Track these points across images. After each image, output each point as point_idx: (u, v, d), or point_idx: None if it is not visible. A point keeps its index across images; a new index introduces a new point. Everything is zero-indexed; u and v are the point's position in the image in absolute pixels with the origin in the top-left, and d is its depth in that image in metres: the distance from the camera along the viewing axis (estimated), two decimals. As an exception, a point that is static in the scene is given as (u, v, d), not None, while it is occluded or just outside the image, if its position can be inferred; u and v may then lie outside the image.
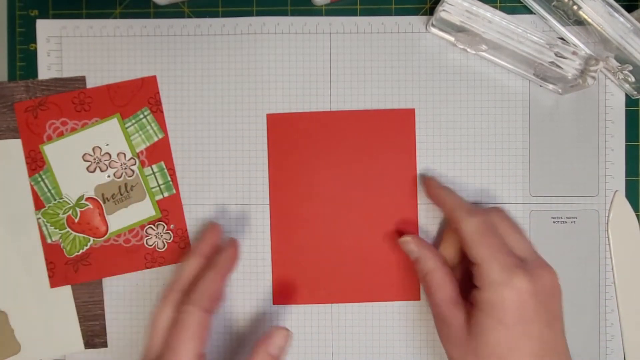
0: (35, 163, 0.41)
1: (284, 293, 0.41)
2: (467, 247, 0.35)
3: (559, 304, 0.35)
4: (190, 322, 0.34)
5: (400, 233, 0.41)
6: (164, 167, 0.41)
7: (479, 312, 0.33)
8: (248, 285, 0.41)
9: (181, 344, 0.33)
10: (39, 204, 0.41)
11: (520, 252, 0.35)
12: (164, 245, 0.41)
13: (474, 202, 0.41)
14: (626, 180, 0.41)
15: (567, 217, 0.41)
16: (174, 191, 0.41)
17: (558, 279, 0.35)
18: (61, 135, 0.41)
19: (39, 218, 0.41)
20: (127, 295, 0.42)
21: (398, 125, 0.41)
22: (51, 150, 0.41)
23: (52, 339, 0.41)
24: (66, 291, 0.41)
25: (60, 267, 0.41)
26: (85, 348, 0.42)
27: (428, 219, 0.41)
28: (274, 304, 0.41)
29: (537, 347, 0.32)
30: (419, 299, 0.41)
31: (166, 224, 0.41)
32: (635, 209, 0.41)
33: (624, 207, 0.41)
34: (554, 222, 0.41)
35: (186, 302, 0.35)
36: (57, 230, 0.41)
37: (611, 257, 0.41)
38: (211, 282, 0.36)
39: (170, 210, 0.41)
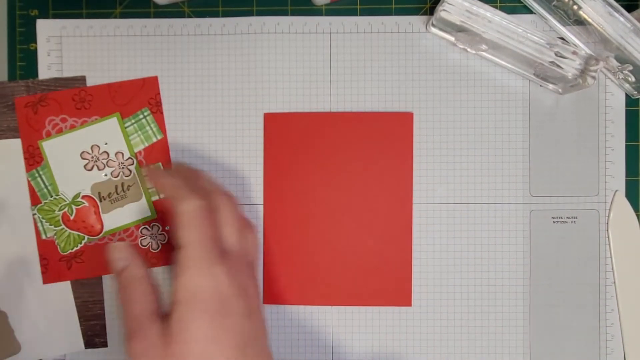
0: (33, 159, 0.41)
1: (274, 293, 0.41)
2: (177, 229, 0.32)
3: (258, 304, 0.34)
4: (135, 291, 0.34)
5: (395, 236, 0.41)
6: (162, 168, 0.41)
7: (179, 306, 0.31)
8: (248, 285, 0.41)
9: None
10: (35, 200, 0.41)
11: (228, 245, 0.34)
12: (158, 246, 0.41)
13: (473, 202, 0.41)
14: (626, 180, 0.41)
15: (567, 217, 0.41)
16: (174, 191, 0.41)
17: (256, 272, 0.35)
18: (60, 132, 0.41)
19: (35, 214, 0.41)
20: (126, 295, 0.42)
21: (396, 129, 0.41)
22: (50, 147, 0.41)
23: (52, 338, 0.41)
24: (66, 290, 0.41)
25: (54, 264, 0.41)
26: (86, 348, 0.42)
27: (422, 224, 0.41)
28: (263, 303, 0.41)
29: (239, 338, 0.31)
30: (410, 304, 0.41)
31: (161, 225, 0.41)
32: (635, 209, 0.41)
33: (624, 207, 0.41)
34: (554, 222, 0.41)
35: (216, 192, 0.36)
36: (52, 226, 0.41)
37: (611, 257, 0.41)
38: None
39: (165, 211, 0.41)
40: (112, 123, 0.41)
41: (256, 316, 0.33)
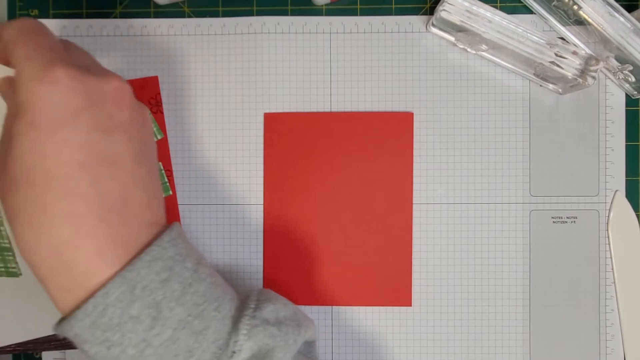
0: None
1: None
2: (8, 55, 0.27)
3: (131, 116, 0.29)
4: None
5: (395, 236, 0.41)
6: (162, 168, 0.41)
7: (10, 120, 0.27)
8: (240, 285, 0.41)
9: None
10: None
11: (81, 61, 0.29)
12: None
13: (473, 202, 0.41)
14: (626, 180, 0.41)
15: (567, 217, 0.41)
16: (171, 192, 0.41)
17: (129, 88, 0.29)
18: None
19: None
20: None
21: (396, 128, 0.41)
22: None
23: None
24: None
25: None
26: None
27: (422, 224, 0.41)
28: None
29: (82, 153, 0.26)
30: (410, 304, 0.41)
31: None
32: (635, 209, 0.41)
33: (624, 207, 0.41)
34: (554, 222, 0.41)
35: None
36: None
37: (611, 257, 0.41)
38: None
39: (166, 211, 0.41)
40: (112, 123, 0.41)
41: (121, 136, 0.28)
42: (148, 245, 0.28)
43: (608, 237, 0.41)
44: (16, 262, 0.40)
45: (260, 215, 0.41)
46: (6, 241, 0.40)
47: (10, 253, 0.40)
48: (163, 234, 0.29)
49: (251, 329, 0.30)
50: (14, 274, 0.40)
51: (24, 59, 0.26)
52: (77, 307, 0.27)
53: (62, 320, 0.28)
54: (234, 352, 0.29)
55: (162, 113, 0.41)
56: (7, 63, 0.29)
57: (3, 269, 0.40)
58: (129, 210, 0.28)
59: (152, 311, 0.27)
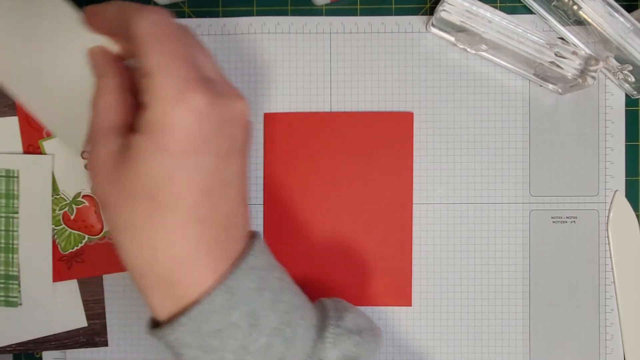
0: (35, 161, 0.41)
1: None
2: (138, 54, 0.26)
3: (245, 136, 0.30)
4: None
5: (395, 236, 0.41)
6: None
7: (138, 136, 0.26)
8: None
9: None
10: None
11: (209, 72, 0.29)
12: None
13: (473, 202, 0.41)
14: (626, 180, 0.41)
15: (567, 217, 0.41)
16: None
17: (249, 110, 0.30)
18: (61, 132, 0.41)
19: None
20: (128, 295, 0.42)
21: (396, 128, 0.41)
22: (50, 146, 0.41)
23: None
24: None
25: (54, 263, 0.41)
26: (86, 347, 0.42)
27: (421, 224, 0.41)
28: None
29: (207, 180, 0.27)
30: (410, 304, 0.41)
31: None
32: (635, 209, 0.41)
33: (624, 207, 0.41)
34: (554, 222, 0.41)
35: None
36: (52, 226, 0.41)
37: (611, 257, 0.41)
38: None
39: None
40: (112, 123, 0.41)
41: (238, 159, 0.29)
42: (242, 253, 0.29)
43: (608, 237, 0.41)
44: (19, 292, 0.41)
45: (260, 215, 0.41)
46: (15, 269, 0.40)
47: (15, 282, 0.40)
48: (254, 244, 0.30)
49: (336, 337, 0.31)
50: (13, 303, 0.41)
51: (159, 70, 0.26)
52: (180, 313, 0.27)
53: (159, 324, 0.28)
54: (321, 359, 0.30)
55: (162, 113, 0.41)
56: (130, 51, 0.29)
57: (3, 299, 0.41)
58: (235, 226, 0.29)
59: (250, 318, 0.28)
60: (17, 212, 0.40)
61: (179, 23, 0.28)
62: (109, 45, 0.31)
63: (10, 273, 0.40)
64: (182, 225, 0.27)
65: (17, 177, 0.40)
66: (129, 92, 0.30)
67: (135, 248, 0.27)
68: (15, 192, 0.40)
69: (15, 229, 0.40)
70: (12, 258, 0.40)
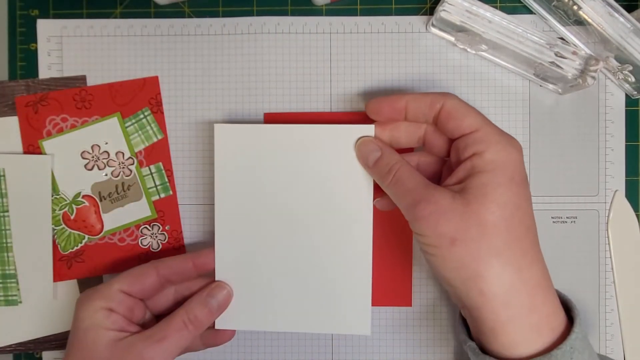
0: (35, 160, 0.41)
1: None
2: (458, 119, 0.33)
3: None
4: (137, 268, 0.37)
5: (395, 236, 0.41)
6: (162, 168, 0.41)
7: (484, 175, 0.31)
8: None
9: (115, 278, 0.36)
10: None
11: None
12: (159, 246, 0.42)
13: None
14: (626, 180, 0.41)
15: (567, 217, 0.41)
16: (171, 192, 0.41)
17: None
18: (61, 131, 0.41)
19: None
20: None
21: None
22: (50, 146, 0.41)
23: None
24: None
25: (54, 263, 0.41)
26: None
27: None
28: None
29: (532, 209, 0.32)
30: (410, 304, 0.41)
31: (161, 225, 0.42)
32: (635, 209, 0.41)
33: (624, 207, 0.41)
34: (554, 222, 0.41)
35: (149, 262, 0.38)
36: (52, 226, 0.41)
37: (611, 257, 0.41)
38: (180, 258, 0.37)
39: (166, 211, 0.41)
40: (112, 123, 0.41)
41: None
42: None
43: (608, 237, 0.41)
44: (18, 290, 0.41)
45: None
46: (12, 267, 0.40)
47: (13, 280, 0.40)
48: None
49: None
50: (13, 302, 0.41)
51: (483, 125, 0.33)
52: (549, 347, 0.31)
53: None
54: None
55: (162, 113, 0.41)
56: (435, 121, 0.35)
57: (2, 298, 0.41)
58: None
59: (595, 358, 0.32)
60: (7, 211, 0.40)
61: None
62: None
63: (7, 272, 0.40)
64: (533, 246, 0.32)
65: (4, 175, 0.40)
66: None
67: (502, 275, 0.31)
68: (4, 191, 0.40)
69: (7, 227, 0.40)
70: (7, 257, 0.40)
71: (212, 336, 0.39)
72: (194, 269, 0.37)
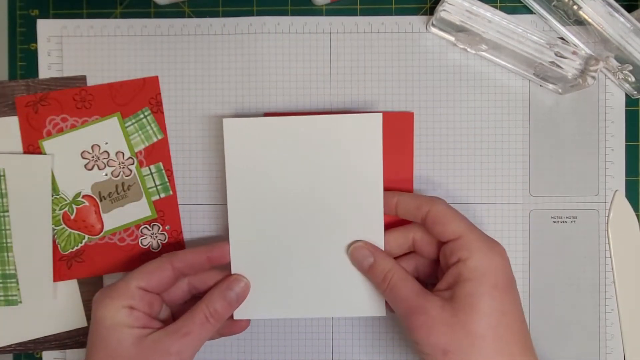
0: (35, 161, 0.41)
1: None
2: (443, 225, 0.34)
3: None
4: (151, 263, 0.37)
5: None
6: (162, 168, 0.41)
7: (468, 283, 0.32)
8: (248, 284, 0.42)
9: (130, 274, 0.36)
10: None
11: None
12: (159, 246, 0.42)
13: (473, 202, 0.41)
14: (626, 180, 0.41)
15: (567, 217, 0.41)
16: (171, 192, 0.41)
17: None
18: (61, 131, 0.41)
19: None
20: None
21: (396, 128, 0.41)
22: (50, 146, 0.41)
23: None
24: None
25: (54, 263, 0.41)
26: (86, 347, 0.42)
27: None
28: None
29: (520, 312, 0.33)
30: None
31: (161, 224, 0.42)
32: (635, 209, 0.41)
33: (624, 207, 0.41)
34: (554, 222, 0.41)
35: (164, 254, 0.37)
36: (52, 226, 0.41)
37: (611, 257, 0.41)
38: (195, 251, 0.37)
39: (166, 211, 0.41)
40: (112, 123, 0.41)
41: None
42: None
43: (608, 237, 0.41)
44: (18, 290, 0.41)
45: (260, 215, 0.41)
46: (12, 267, 0.40)
47: (13, 280, 0.40)
48: None
49: None
50: (13, 302, 0.41)
51: (469, 232, 0.34)
52: None
53: None
54: None
55: (162, 113, 0.41)
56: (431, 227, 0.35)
57: (2, 297, 0.41)
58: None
59: None
60: (7, 211, 0.40)
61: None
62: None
63: (7, 272, 0.40)
64: (525, 353, 0.33)
65: (4, 175, 0.40)
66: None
67: None
68: (4, 191, 0.40)
69: (7, 227, 0.40)
70: (7, 256, 0.40)
71: (228, 326, 0.39)
72: (208, 261, 0.37)
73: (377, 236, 0.37)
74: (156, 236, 0.42)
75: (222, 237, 0.42)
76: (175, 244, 0.42)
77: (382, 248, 0.37)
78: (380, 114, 0.37)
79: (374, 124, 0.37)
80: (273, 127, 0.37)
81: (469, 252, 0.33)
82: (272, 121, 0.37)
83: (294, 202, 0.38)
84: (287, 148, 0.37)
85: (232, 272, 0.38)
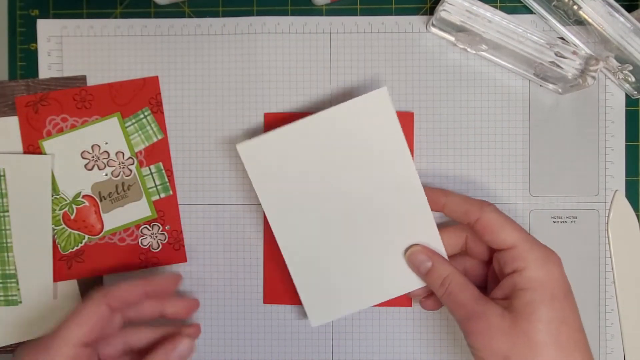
0: (35, 161, 0.41)
1: (274, 293, 0.41)
2: (494, 234, 0.34)
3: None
4: (86, 309, 0.33)
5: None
6: (162, 168, 0.41)
7: (526, 292, 0.32)
8: (240, 284, 0.42)
9: (65, 328, 0.33)
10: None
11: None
12: (159, 246, 0.42)
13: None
14: (626, 180, 0.41)
15: (567, 217, 0.41)
16: (171, 192, 0.41)
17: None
18: (61, 131, 0.41)
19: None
20: (127, 295, 0.42)
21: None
22: (50, 146, 0.41)
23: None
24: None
25: (54, 263, 0.41)
26: (85, 347, 0.42)
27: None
28: (264, 302, 0.41)
29: (578, 319, 0.33)
30: (410, 304, 0.41)
31: (161, 224, 0.42)
32: (635, 209, 0.41)
33: (624, 207, 0.41)
34: (554, 222, 0.41)
35: (97, 289, 0.34)
36: (52, 226, 0.41)
37: (611, 257, 0.41)
38: (131, 285, 0.35)
39: (166, 211, 0.41)
40: (112, 123, 0.41)
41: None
42: None
43: (608, 237, 0.41)
44: (18, 290, 0.41)
45: (261, 215, 0.41)
46: (12, 267, 0.40)
47: (14, 280, 0.40)
48: None
49: None
50: (13, 302, 0.41)
51: (524, 241, 0.34)
52: None
53: None
54: None
55: (162, 113, 0.41)
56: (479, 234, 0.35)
57: (2, 298, 0.41)
58: None
59: None
60: (7, 211, 0.40)
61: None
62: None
63: (7, 272, 0.40)
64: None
65: (4, 175, 0.40)
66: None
67: None
68: (4, 191, 0.40)
69: (7, 227, 0.40)
70: (7, 257, 0.40)
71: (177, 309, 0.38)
72: (145, 296, 0.36)
73: (433, 238, 0.37)
74: (156, 236, 0.42)
75: (221, 235, 0.42)
76: (175, 244, 0.42)
77: (441, 249, 0.37)
78: (385, 87, 0.36)
79: (382, 99, 0.36)
80: (287, 137, 0.37)
81: (524, 262, 0.33)
82: (283, 131, 0.37)
83: (331, 202, 0.38)
84: (308, 152, 0.37)
85: (296, 284, 0.38)
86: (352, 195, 0.38)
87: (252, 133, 0.41)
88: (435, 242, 0.37)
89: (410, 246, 0.37)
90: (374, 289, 0.38)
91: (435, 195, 0.37)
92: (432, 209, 0.37)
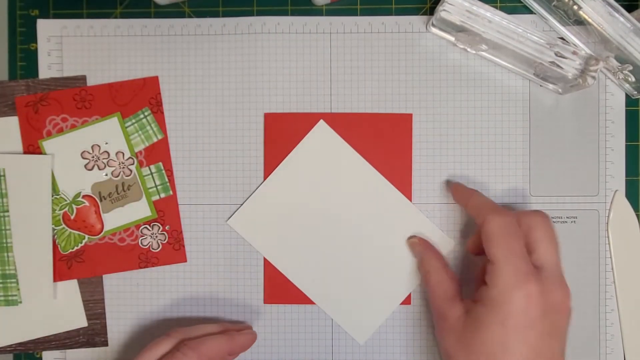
0: (35, 161, 0.41)
1: (274, 293, 0.41)
2: (485, 245, 0.35)
3: (565, 322, 0.34)
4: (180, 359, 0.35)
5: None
6: (162, 168, 0.41)
7: (481, 308, 0.33)
8: (241, 284, 0.42)
9: None
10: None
11: (542, 262, 0.34)
12: (159, 246, 0.42)
13: (473, 202, 0.41)
14: (626, 180, 0.41)
15: (567, 217, 0.41)
16: (171, 192, 0.41)
17: (570, 300, 0.34)
18: (61, 131, 0.41)
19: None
20: (128, 295, 0.42)
21: (395, 130, 0.41)
22: (50, 146, 0.41)
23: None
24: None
25: (54, 263, 0.41)
26: (86, 347, 0.42)
27: (428, 218, 0.41)
28: (264, 302, 0.41)
29: (531, 355, 0.32)
30: (410, 304, 0.41)
31: (162, 225, 0.42)
32: (635, 209, 0.41)
33: (624, 207, 0.41)
34: (554, 222, 0.41)
35: (188, 345, 0.36)
36: (52, 226, 0.41)
37: (611, 257, 0.41)
38: (218, 343, 0.37)
39: (166, 211, 0.41)
40: (112, 123, 0.41)
41: (558, 343, 0.33)
42: None
43: (608, 237, 0.41)
44: (18, 290, 0.41)
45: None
46: (12, 267, 0.40)
47: (14, 280, 0.40)
48: None
49: None
50: (13, 302, 0.41)
51: (503, 261, 0.33)
52: None
53: None
54: None
55: (162, 113, 0.41)
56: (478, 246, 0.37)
57: (2, 298, 0.41)
58: None
59: None
60: (7, 211, 0.40)
61: (514, 221, 0.35)
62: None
63: (7, 272, 0.40)
64: None
65: (4, 175, 0.40)
66: (448, 268, 0.39)
67: None
68: (4, 191, 0.40)
69: (7, 227, 0.40)
70: (8, 257, 0.40)
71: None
72: (229, 353, 0.38)
73: (429, 230, 0.41)
74: (156, 236, 0.42)
75: (221, 235, 0.42)
76: (175, 244, 0.42)
77: (438, 241, 0.41)
78: (321, 120, 0.40)
79: (324, 130, 0.40)
80: (266, 194, 0.41)
81: (493, 281, 0.33)
82: (261, 191, 0.41)
83: (328, 231, 0.41)
84: (289, 197, 0.41)
85: (331, 316, 0.41)
86: (342, 217, 0.41)
87: (252, 133, 0.41)
88: (432, 233, 0.41)
89: (410, 237, 0.41)
90: (394, 290, 0.41)
91: (465, 193, 0.39)
92: (461, 205, 0.40)
